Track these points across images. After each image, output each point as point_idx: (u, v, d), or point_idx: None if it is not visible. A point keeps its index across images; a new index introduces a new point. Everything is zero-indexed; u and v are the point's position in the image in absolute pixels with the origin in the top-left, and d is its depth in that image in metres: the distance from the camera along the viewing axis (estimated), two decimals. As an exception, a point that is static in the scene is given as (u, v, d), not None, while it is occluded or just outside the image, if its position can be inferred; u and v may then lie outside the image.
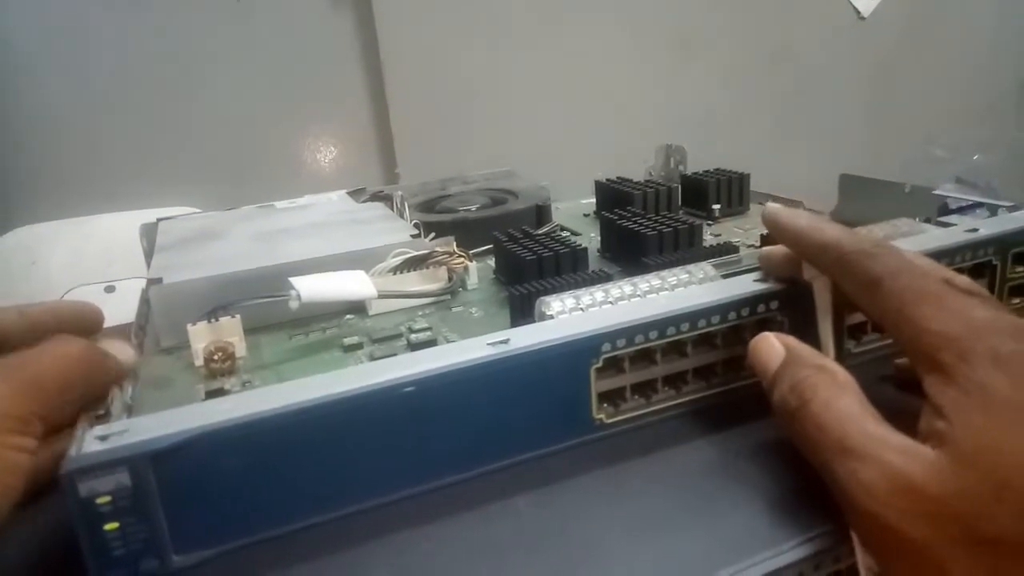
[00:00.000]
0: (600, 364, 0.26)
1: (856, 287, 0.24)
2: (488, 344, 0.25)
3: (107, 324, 0.51)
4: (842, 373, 0.23)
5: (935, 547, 0.18)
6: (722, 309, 0.28)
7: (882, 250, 0.24)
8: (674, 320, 0.27)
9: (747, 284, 0.29)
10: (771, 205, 0.29)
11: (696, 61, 0.96)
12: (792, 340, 0.25)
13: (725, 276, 0.31)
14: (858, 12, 1.02)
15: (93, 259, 0.67)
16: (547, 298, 0.29)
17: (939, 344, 0.20)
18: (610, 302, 0.29)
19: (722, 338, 0.28)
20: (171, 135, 0.77)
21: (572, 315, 0.29)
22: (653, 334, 0.27)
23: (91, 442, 0.21)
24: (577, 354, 0.26)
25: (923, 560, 0.19)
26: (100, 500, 0.20)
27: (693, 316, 0.27)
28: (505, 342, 0.25)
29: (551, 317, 0.29)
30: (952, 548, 0.18)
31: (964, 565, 0.18)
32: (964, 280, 0.23)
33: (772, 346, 0.25)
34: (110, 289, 0.66)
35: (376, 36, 0.81)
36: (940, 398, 0.20)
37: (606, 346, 0.26)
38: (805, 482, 0.23)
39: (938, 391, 0.20)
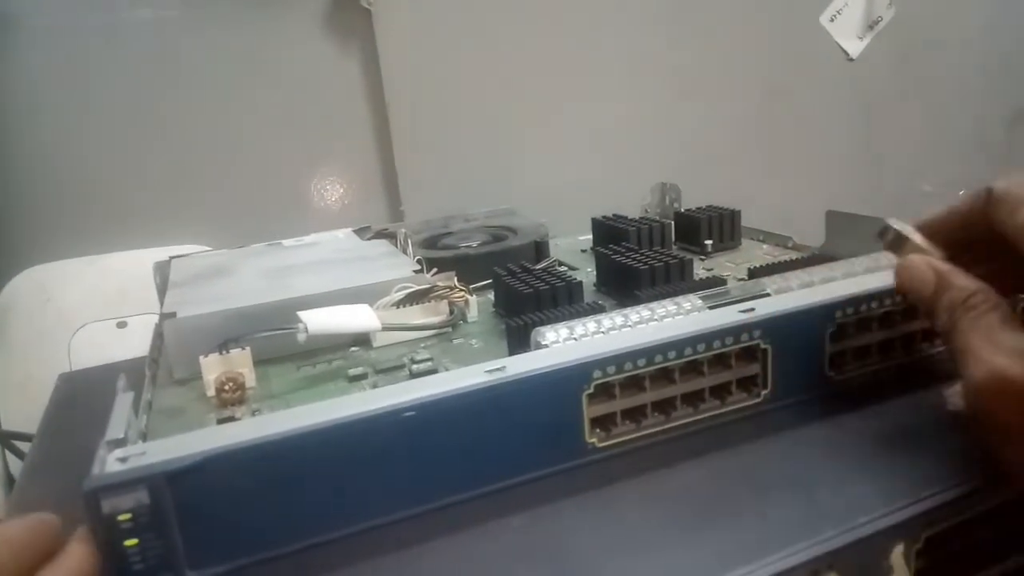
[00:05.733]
0: (591, 390, 0.28)
1: (1004, 216, 0.27)
2: (485, 371, 0.27)
3: (119, 358, 0.53)
4: (984, 292, 0.26)
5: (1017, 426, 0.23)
6: (707, 338, 0.29)
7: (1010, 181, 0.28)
8: (661, 348, 0.29)
9: (732, 314, 0.30)
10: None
11: (691, 101, 0.99)
12: (939, 264, 0.28)
13: (711, 307, 0.33)
14: (847, 54, 1.05)
15: (106, 296, 0.69)
16: (542, 328, 0.31)
17: None
18: (602, 332, 0.31)
19: (708, 365, 0.30)
20: (182, 175, 0.79)
21: (565, 344, 0.30)
22: (642, 361, 0.28)
23: (112, 463, 0.23)
24: (569, 380, 0.27)
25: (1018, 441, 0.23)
26: (121, 517, 0.22)
27: (679, 344, 0.29)
28: (501, 369, 0.27)
29: (546, 346, 0.30)
30: None
31: None
32: None
33: (923, 269, 0.28)
34: (122, 325, 0.68)
35: (381, 80, 0.84)
36: None
37: (597, 373, 0.28)
38: (791, 501, 0.25)
39: None
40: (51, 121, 0.75)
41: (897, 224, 0.31)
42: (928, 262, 0.28)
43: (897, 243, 0.31)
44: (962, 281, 0.27)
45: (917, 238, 0.30)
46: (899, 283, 0.30)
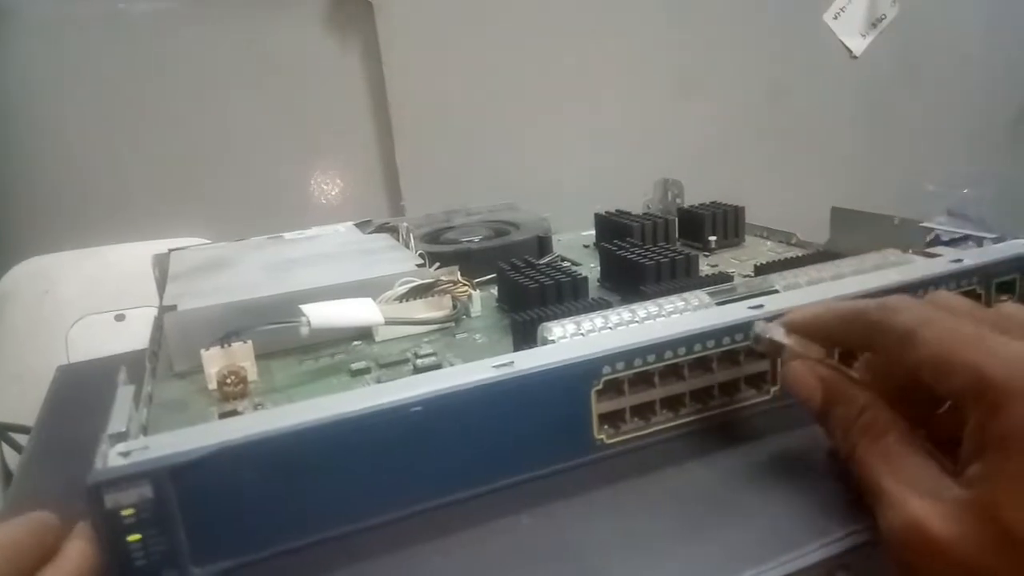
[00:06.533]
0: (601, 386, 0.27)
1: (890, 345, 0.23)
2: (493, 367, 0.26)
3: (117, 351, 0.52)
4: (874, 408, 0.24)
5: None
6: (716, 334, 0.29)
7: (907, 303, 0.24)
8: (671, 344, 0.28)
9: (740, 311, 0.30)
10: (775, 323, 0.28)
11: (694, 98, 0.99)
12: (824, 371, 0.26)
13: (719, 304, 0.32)
14: (850, 51, 1.05)
15: (103, 289, 0.68)
16: (549, 324, 0.31)
17: (981, 385, 0.20)
18: (609, 328, 0.31)
19: (717, 362, 0.30)
20: (181, 168, 0.79)
21: (573, 340, 0.30)
22: (651, 357, 0.28)
23: (114, 457, 0.22)
24: (579, 376, 0.27)
25: None
26: (124, 512, 0.21)
27: (689, 341, 0.29)
28: (509, 364, 0.26)
29: (553, 342, 0.30)
30: None
31: None
32: (1002, 311, 0.23)
33: (807, 380, 0.26)
34: (120, 318, 0.67)
35: (383, 74, 0.83)
36: (979, 438, 0.20)
37: (606, 369, 0.27)
38: (798, 502, 0.24)
39: (978, 432, 0.20)
40: (50, 112, 0.74)
41: (767, 331, 0.28)
42: (812, 370, 0.26)
43: (773, 350, 0.28)
44: (850, 391, 0.25)
45: (791, 341, 0.27)
46: (786, 389, 0.27)
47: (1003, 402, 0.19)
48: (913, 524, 0.20)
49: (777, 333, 0.27)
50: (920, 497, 0.20)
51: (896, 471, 0.22)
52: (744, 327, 0.29)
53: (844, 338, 0.26)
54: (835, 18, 1.03)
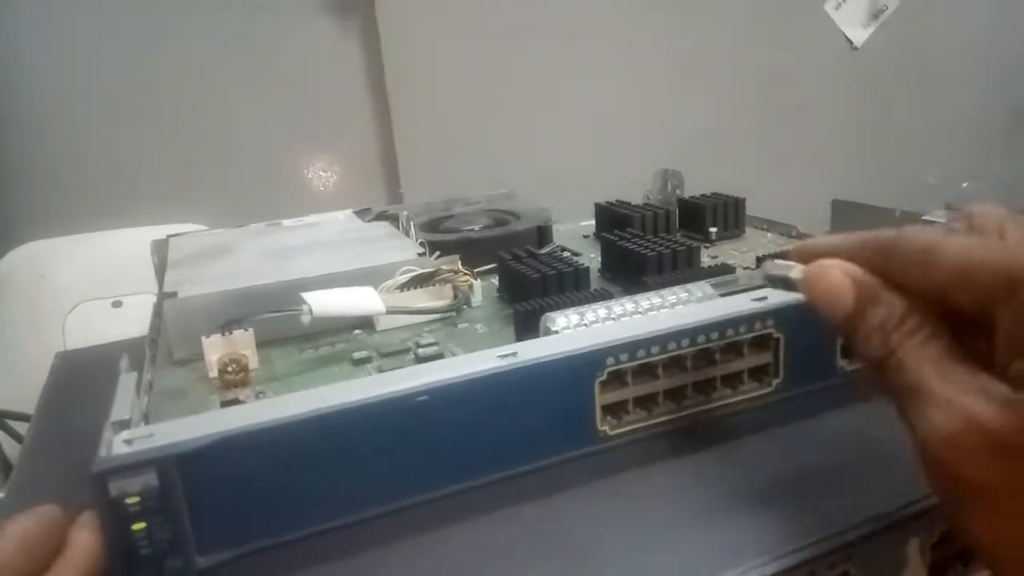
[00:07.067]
0: (604, 377, 0.27)
1: (910, 264, 0.22)
2: (497, 357, 0.26)
3: (113, 338, 0.52)
4: (921, 313, 0.22)
5: (1005, 489, 0.18)
6: (721, 326, 0.29)
7: (913, 228, 0.23)
8: (675, 336, 0.28)
9: (745, 303, 0.30)
10: (787, 262, 0.26)
11: (694, 88, 0.99)
12: (856, 270, 0.23)
13: (723, 295, 0.32)
14: (851, 43, 1.04)
15: (100, 275, 0.68)
16: (552, 314, 0.31)
17: (1011, 281, 0.19)
18: (613, 318, 0.31)
19: (721, 354, 0.30)
20: (178, 154, 0.78)
21: (577, 330, 0.30)
22: (655, 349, 0.28)
23: (119, 445, 0.22)
24: (583, 367, 0.27)
25: (995, 504, 0.19)
26: (129, 500, 0.21)
27: (693, 332, 0.29)
28: (514, 355, 0.26)
29: (556, 332, 0.30)
30: (1005, 486, 0.18)
31: None
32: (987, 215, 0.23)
33: (837, 280, 0.23)
34: (117, 304, 0.67)
35: (382, 60, 0.83)
36: (1017, 336, 0.19)
37: (610, 360, 0.27)
38: (806, 494, 0.24)
39: (1015, 331, 0.19)
40: (48, 97, 0.74)
41: (781, 269, 0.25)
42: (844, 269, 0.23)
43: (789, 289, 0.25)
44: (890, 294, 0.22)
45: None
46: (810, 294, 0.24)
47: None
48: (967, 420, 0.19)
49: (793, 271, 0.25)
50: (974, 396, 0.19)
51: (945, 374, 0.20)
52: (748, 319, 0.29)
53: (862, 263, 0.23)
54: (836, 8, 1.02)
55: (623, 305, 0.31)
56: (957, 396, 0.19)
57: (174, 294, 0.38)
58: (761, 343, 0.30)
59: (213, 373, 0.35)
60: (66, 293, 0.67)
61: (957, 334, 0.21)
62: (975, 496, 0.19)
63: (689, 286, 0.33)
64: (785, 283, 0.25)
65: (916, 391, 0.20)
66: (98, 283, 0.67)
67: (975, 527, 0.19)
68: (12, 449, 0.61)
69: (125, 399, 0.26)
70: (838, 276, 0.23)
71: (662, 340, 0.28)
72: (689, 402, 0.30)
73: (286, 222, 0.56)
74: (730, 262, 0.45)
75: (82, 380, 0.43)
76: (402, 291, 0.40)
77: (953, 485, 0.19)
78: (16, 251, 0.69)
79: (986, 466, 0.18)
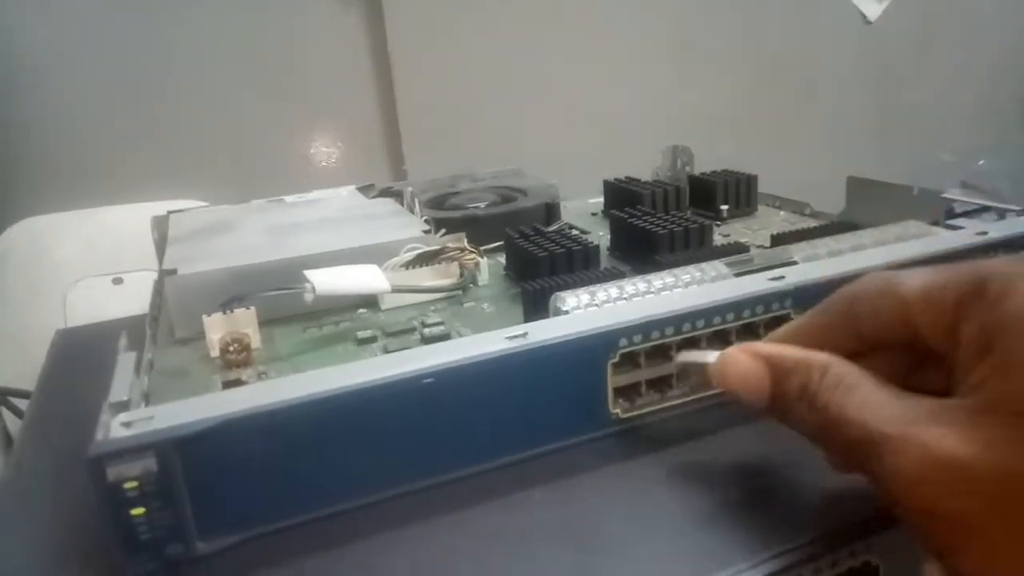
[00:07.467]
0: (617, 359, 0.27)
1: (874, 297, 0.22)
2: (507, 338, 0.25)
3: (114, 315, 0.51)
4: (839, 364, 0.21)
5: (978, 516, 0.17)
6: (737, 306, 0.28)
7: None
8: (690, 316, 0.27)
9: (761, 282, 0.29)
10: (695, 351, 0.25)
11: (703, 63, 0.97)
12: (765, 347, 0.22)
13: (738, 275, 0.31)
14: (864, 17, 1.02)
15: (101, 251, 0.67)
16: (562, 294, 0.30)
17: (980, 283, 0.19)
18: (624, 298, 0.30)
19: (736, 335, 0.29)
20: (179, 130, 0.77)
21: (587, 311, 0.29)
22: (669, 330, 0.27)
23: (117, 428, 0.22)
24: (595, 349, 0.26)
25: (981, 533, 0.17)
26: (127, 485, 0.21)
27: (708, 313, 0.28)
28: (524, 336, 0.26)
29: (566, 312, 0.29)
30: (991, 514, 0.17)
31: (1008, 530, 0.17)
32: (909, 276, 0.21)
33: (748, 365, 0.22)
34: (118, 281, 0.66)
35: (385, 34, 0.81)
36: (981, 338, 0.18)
37: (623, 341, 0.26)
38: (816, 479, 0.24)
39: (979, 333, 0.18)
40: (48, 72, 0.72)
41: (689, 356, 0.25)
42: (754, 351, 0.22)
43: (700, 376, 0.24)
44: (804, 358, 0.21)
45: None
46: (725, 387, 0.23)
47: (1009, 288, 0.18)
48: (927, 454, 0.17)
49: (709, 356, 0.24)
50: (925, 425, 0.18)
51: (887, 414, 0.19)
52: (764, 299, 0.29)
53: (824, 331, 0.23)
54: (850, -18, 1.00)
55: (635, 285, 0.31)
56: (912, 432, 0.18)
57: (174, 271, 0.38)
58: (777, 324, 0.29)
59: (215, 352, 0.34)
60: (66, 269, 0.66)
61: (909, 371, 0.21)
62: (958, 532, 0.17)
63: (703, 265, 0.32)
64: (700, 372, 0.24)
65: (867, 442, 0.19)
66: (99, 260, 0.66)
67: (963, 561, 0.17)
68: (14, 425, 0.60)
69: (124, 380, 0.25)
70: (747, 361, 0.22)
71: (677, 321, 0.27)
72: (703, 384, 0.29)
73: (288, 199, 0.56)
74: (743, 240, 0.44)
75: (82, 357, 0.42)
76: (407, 269, 0.40)
77: (931, 523, 0.18)
78: (16, 226, 0.69)
79: (962, 494, 0.17)
